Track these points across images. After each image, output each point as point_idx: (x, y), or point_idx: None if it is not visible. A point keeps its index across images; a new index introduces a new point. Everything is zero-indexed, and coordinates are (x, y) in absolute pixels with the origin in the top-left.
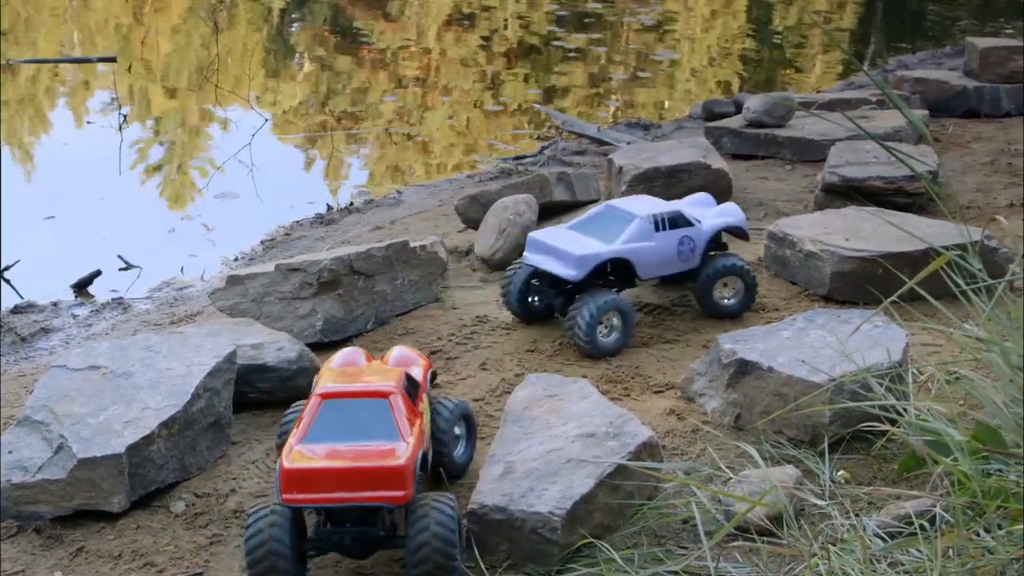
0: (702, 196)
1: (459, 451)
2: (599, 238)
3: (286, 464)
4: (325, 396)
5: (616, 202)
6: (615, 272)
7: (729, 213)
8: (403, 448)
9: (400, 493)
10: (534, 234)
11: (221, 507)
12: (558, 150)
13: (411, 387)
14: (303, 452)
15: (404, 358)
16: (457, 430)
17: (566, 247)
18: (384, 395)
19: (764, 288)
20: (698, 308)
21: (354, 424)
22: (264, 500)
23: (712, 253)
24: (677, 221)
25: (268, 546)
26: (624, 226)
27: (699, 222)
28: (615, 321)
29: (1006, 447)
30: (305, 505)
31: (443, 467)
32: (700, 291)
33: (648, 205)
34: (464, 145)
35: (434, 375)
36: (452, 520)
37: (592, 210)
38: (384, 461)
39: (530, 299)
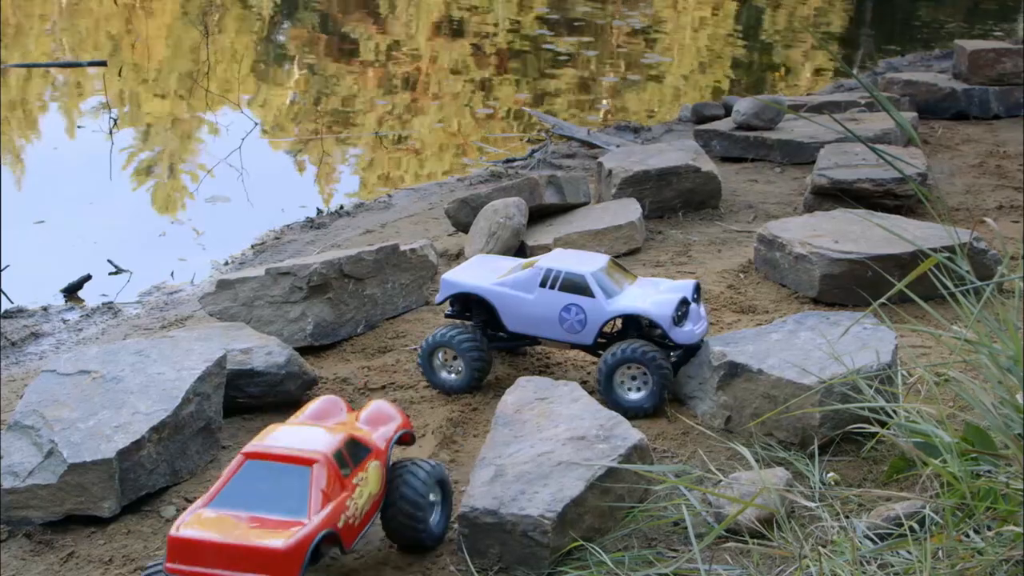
0: (684, 283)
1: (434, 518)
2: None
3: (172, 531)
4: (248, 455)
5: (559, 253)
6: (489, 314)
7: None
8: (297, 529)
9: None
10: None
11: None
12: (548, 153)
13: (353, 453)
14: (200, 517)
15: (376, 415)
16: (432, 496)
17: (452, 271)
18: (308, 463)
19: (754, 290)
20: None
21: (268, 491)
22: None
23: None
24: (573, 285)
25: None
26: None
27: (605, 296)
28: (454, 361)
29: (995, 448)
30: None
31: (416, 535)
32: (598, 377)
33: (566, 261)
34: (454, 149)
35: (411, 437)
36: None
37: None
38: (267, 541)
39: None
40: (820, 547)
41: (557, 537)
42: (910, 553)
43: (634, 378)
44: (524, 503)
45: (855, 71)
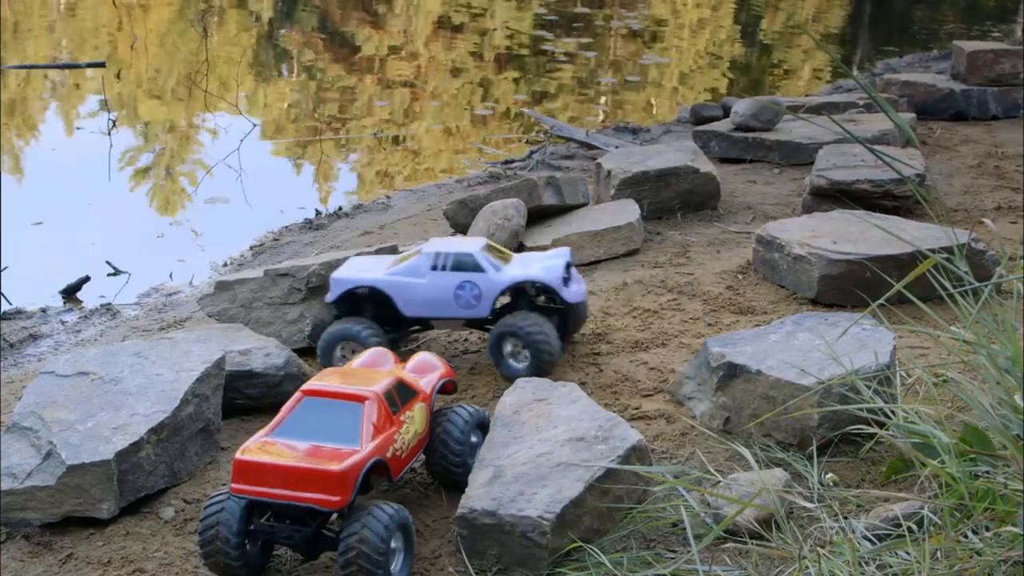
0: (560, 250)
1: (474, 458)
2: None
3: (238, 455)
4: (307, 392)
5: (439, 240)
6: (382, 304)
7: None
8: (352, 455)
9: (334, 498)
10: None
11: None
12: (547, 154)
13: (401, 394)
14: (264, 444)
15: (422, 365)
16: (474, 438)
17: (339, 271)
18: (360, 399)
19: (752, 291)
20: (683, 310)
21: (324, 424)
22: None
23: (504, 307)
24: (464, 264)
25: (216, 531)
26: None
27: (495, 269)
28: (349, 352)
29: (993, 449)
30: (248, 497)
31: (457, 473)
32: (489, 348)
33: (451, 244)
34: (453, 150)
35: (454, 385)
36: (385, 529)
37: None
38: (325, 464)
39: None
40: (819, 548)
41: (556, 538)
42: (908, 554)
43: (513, 346)
44: (523, 504)
45: (854, 72)
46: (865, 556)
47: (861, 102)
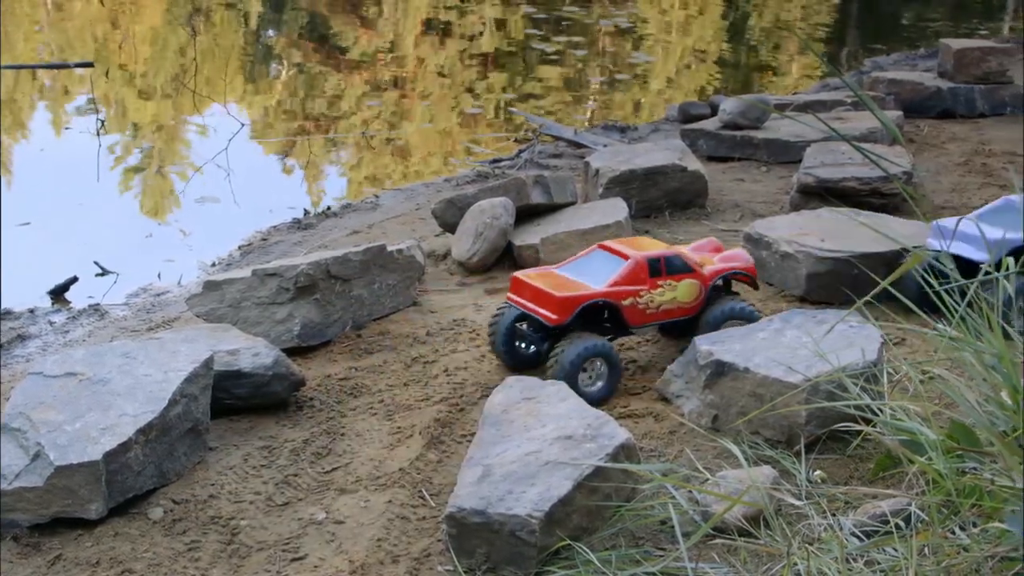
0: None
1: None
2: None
3: (517, 273)
4: (600, 246)
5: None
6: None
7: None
8: (583, 290)
9: (553, 316)
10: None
11: (199, 513)
12: (535, 153)
13: (670, 265)
14: (543, 272)
15: (730, 256)
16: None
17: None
18: (624, 257)
19: (740, 289)
20: None
21: (594, 269)
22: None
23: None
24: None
25: (494, 328)
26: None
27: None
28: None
29: (980, 446)
30: (512, 306)
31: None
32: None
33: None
34: (442, 149)
35: (751, 280)
36: (578, 355)
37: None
38: (558, 291)
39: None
40: (807, 545)
41: (544, 536)
42: (896, 550)
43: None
44: (511, 503)
45: (841, 70)
46: (853, 553)
47: (849, 100)
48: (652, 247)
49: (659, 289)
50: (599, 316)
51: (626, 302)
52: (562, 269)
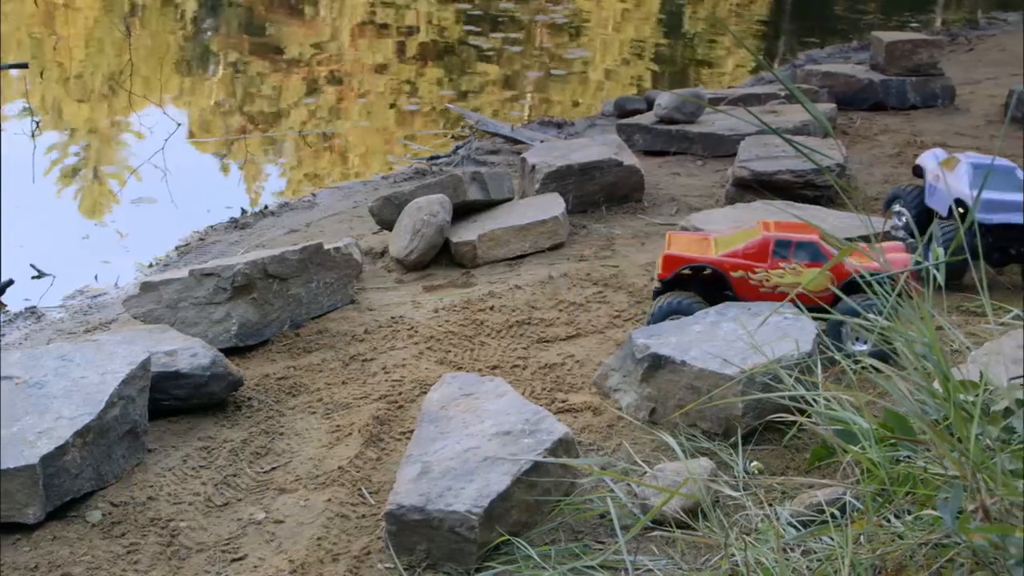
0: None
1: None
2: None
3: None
4: (763, 226)
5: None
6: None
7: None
8: (691, 257)
9: (660, 271)
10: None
11: (138, 515)
12: (472, 149)
13: (801, 251)
14: (695, 236)
15: (892, 250)
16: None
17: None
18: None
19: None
20: (608, 302)
21: (741, 241)
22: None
23: None
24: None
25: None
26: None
27: None
28: None
29: (913, 434)
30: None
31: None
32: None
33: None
34: (379, 146)
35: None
36: (668, 305)
37: (956, 169)
38: (672, 250)
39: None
40: (744, 535)
41: (484, 532)
42: (832, 539)
43: None
44: (451, 499)
45: (775, 64)
46: (790, 542)
47: (783, 93)
48: (798, 231)
49: (776, 269)
50: (721, 283)
51: (735, 274)
52: (719, 234)
